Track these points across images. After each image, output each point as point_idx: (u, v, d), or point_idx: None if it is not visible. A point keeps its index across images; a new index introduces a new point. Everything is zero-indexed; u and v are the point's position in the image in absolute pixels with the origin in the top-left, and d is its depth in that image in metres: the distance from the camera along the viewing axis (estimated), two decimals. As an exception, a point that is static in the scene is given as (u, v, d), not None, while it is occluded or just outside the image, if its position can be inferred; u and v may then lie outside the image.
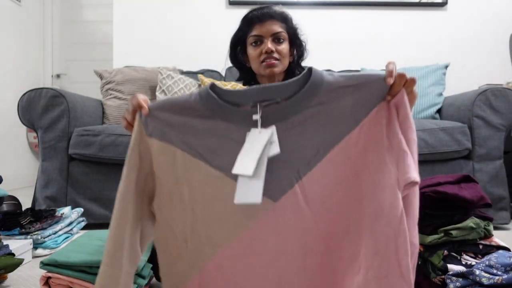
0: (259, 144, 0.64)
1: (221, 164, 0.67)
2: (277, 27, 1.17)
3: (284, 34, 1.19)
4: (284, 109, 0.66)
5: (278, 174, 0.66)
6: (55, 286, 0.97)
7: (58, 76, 4.10)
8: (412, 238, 0.64)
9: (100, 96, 2.42)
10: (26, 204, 1.97)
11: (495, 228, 1.84)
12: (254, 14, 1.18)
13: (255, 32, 1.18)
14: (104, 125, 2.11)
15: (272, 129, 0.66)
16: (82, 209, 1.77)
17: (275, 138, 0.65)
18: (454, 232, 0.96)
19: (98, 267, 0.92)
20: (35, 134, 2.86)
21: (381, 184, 0.64)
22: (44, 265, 0.97)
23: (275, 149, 0.65)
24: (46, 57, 4.05)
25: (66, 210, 1.68)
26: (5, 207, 1.65)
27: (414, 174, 0.62)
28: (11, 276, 1.23)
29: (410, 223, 0.64)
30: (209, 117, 0.68)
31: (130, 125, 0.74)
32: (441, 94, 2.32)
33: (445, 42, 2.90)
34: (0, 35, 3.36)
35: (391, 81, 0.65)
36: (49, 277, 0.98)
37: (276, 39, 1.18)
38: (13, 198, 1.73)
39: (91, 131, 1.94)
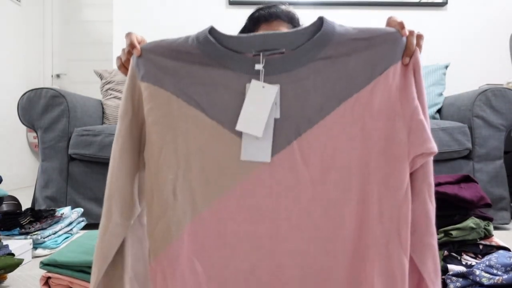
0: (265, 103, 0.60)
1: (217, 114, 0.63)
2: (284, 28, 1.16)
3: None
4: (289, 60, 0.62)
5: (276, 129, 0.62)
6: (55, 286, 0.97)
7: (58, 76, 4.10)
8: (430, 208, 0.63)
9: (100, 96, 2.42)
10: (26, 204, 1.97)
11: (495, 228, 1.84)
12: (261, 13, 1.17)
13: (261, 32, 1.17)
14: (104, 125, 2.11)
15: (277, 88, 0.61)
16: (82, 209, 1.77)
17: (278, 99, 0.61)
18: (454, 233, 0.96)
19: (98, 267, 0.93)
20: (35, 134, 2.86)
21: (389, 152, 0.61)
22: (44, 265, 0.97)
23: (276, 113, 0.62)
24: (46, 57, 4.05)
25: (66, 210, 1.68)
26: (5, 207, 1.65)
27: (428, 145, 0.60)
28: (11, 276, 1.23)
29: (428, 192, 0.62)
30: (206, 63, 0.63)
31: (123, 66, 0.69)
32: (441, 94, 2.32)
33: (445, 42, 2.90)
34: (0, 35, 3.36)
35: (406, 32, 0.62)
36: (49, 277, 0.98)
37: None
38: (13, 198, 1.73)
39: (91, 131, 1.94)
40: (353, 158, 0.62)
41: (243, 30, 1.23)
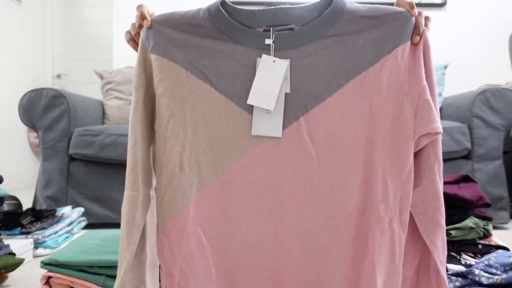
0: (276, 77, 0.61)
1: (226, 88, 0.63)
2: None
3: None
4: (298, 36, 0.62)
5: (285, 104, 0.63)
6: (55, 286, 0.97)
7: (58, 76, 4.10)
8: (440, 188, 0.64)
9: (101, 96, 2.42)
10: (26, 204, 1.97)
11: (494, 228, 1.84)
12: None
13: None
14: (104, 125, 2.12)
15: (287, 62, 0.62)
16: (82, 209, 1.78)
17: (288, 73, 0.62)
18: (453, 232, 0.97)
19: (98, 267, 0.94)
20: (35, 134, 2.86)
21: (395, 131, 0.62)
22: (44, 264, 0.97)
23: (286, 87, 0.63)
24: (46, 57, 4.05)
25: (66, 210, 1.69)
26: (5, 207, 1.65)
27: (434, 125, 0.61)
28: (12, 275, 1.23)
29: (439, 171, 0.64)
30: (216, 37, 0.64)
31: (133, 40, 0.69)
32: (440, 94, 2.32)
33: (445, 42, 2.91)
34: (0, 35, 3.36)
35: (416, 11, 0.63)
36: (49, 277, 0.98)
37: None
38: (14, 198, 1.74)
39: (91, 131, 1.95)
40: (359, 135, 0.63)
41: None
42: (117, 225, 1.94)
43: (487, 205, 1.02)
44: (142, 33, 0.68)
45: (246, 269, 0.66)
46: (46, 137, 1.95)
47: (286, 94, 0.63)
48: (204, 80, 0.64)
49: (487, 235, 1.01)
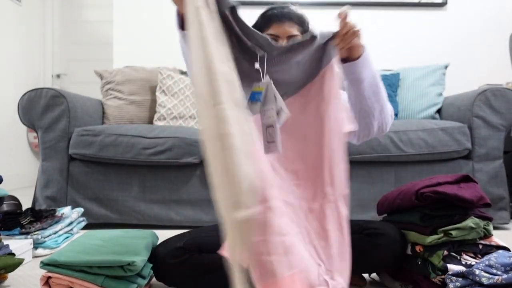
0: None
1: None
2: (294, 30, 1.16)
3: (299, 37, 1.17)
4: (275, 58, 0.91)
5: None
6: (55, 286, 0.97)
7: (58, 76, 4.10)
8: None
9: (100, 96, 2.42)
10: (26, 204, 1.97)
11: (495, 228, 1.84)
12: (274, 12, 1.17)
13: (272, 31, 1.16)
14: (104, 125, 2.11)
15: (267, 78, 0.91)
16: (82, 209, 1.77)
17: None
18: (453, 232, 0.96)
19: (98, 267, 0.94)
20: (35, 134, 2.86)
21: (336, 128, 0.90)
22: (44, 265, 0.97)
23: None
24: (46, 57, 4.05)
25: (66, 210, 1.69)
26: (5, 207, 1.65)
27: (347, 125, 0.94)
28: (11, 276, 1.23)
29: None
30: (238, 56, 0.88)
31: None
32: (440, 94, 2.32)
33: (445, 42, 2.91)
34: (0, 35, 3.36)
35: (339, 45, 0.94)
36: (49, 277, 0.98)
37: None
38: (14, 198, 1.73)
39: (91, 131, 1.95)
40: (308, 131, 0.92)
41: (254, 26, 1.21)
42: (117, 225, 1.94)
43: (488, 205, 1.01)
44: None
45: None
46: (46, 137, 1.95)
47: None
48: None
49: (487, 235, 1.01)
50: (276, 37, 1.16)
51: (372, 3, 2.91)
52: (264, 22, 1.18)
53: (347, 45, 0.95)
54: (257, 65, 0.86)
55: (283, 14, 1.16)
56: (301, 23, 1.18)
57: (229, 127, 0.66)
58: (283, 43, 1.15)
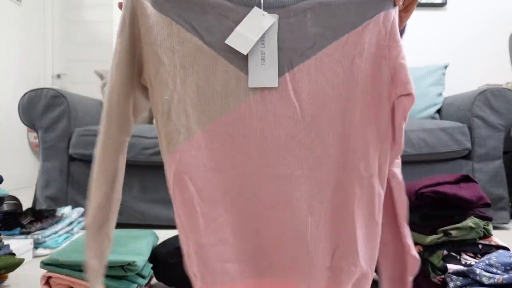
0: (260, 28, 0.65)
1: (214, 42, 0.66)
2: None
3: None
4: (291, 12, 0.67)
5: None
6: (55, 286, 0.97)
7: (58, 76, 4.10)
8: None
9: (100, 96, 2.42)
10: (26, 204, 1.97)
11: (495, 228, 1.84)
12: None
13: None
14: (104, 125, 2.12)
15: (276, 17, 0.66)
16: (82, 209, 1.77)
17: (276, 31, 0.66)
18: (453, 232, 0.97)
19: (98, 267, 0.94)
20: (35, 134, 2.86)
21: (375, 91, 0.67)
22: (44, 264, 0.97)
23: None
24: (46, 57, 4.05)
25: (66, 210, 1.69)
26: (5, 207, 1.65)
27: (409, 85, 0.65)
28: (11, 275, 1.23)
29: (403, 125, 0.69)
30: None
31: None
32: (440, 94, 2.32)
33: (445, 42, 2.91)
34: (0, 35, 3.36)
35: None
36: (49, 277, 0.98)
37: None
38: (14, 198, 1.73)
39: (91, 131, 1.95)
40: (341, 94, 0.67)
41: None
42: (117, 225, 1.93)
43: (487, 205, 1.01)
44: None
45: (231, 219, 0.68)
46: (46, 137, 1.95)
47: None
48: (193, 34, 0.66)
49: (487, 235, 1.01)
50: None
51: None
52: None
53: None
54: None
55: None
56: None
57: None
58: None
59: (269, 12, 0.66)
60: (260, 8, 0.66)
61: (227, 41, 0.65)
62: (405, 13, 0.71)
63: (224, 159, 0.67)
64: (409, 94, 0.65)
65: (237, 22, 0.65)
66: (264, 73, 0.66)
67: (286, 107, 0.66)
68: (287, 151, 0.67)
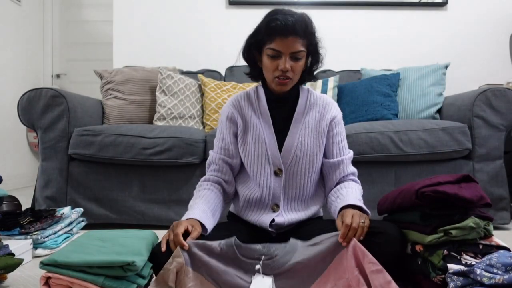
0: (265, 285, 0.95)
1: None
2: (298, 45, 1.11)
3: (303, 53, 1.14)
4: (276, 263, 0.99)
5: None
6: (55, 286, 0.97)
7: (58, 76, 4.10)
8: None
9: (100, 96, 2.42)
10: (26, 204, 1.97)
11: (495, 228, 1.84)
12: (278, 25, 1.10)
13: (274, 45, 1.11)
14: (104, 125, 2.11)
15: (271, 277, 0.97)
16: (82, 209, 1.77)
17: (274, 285, 0.96)
18: (454, 232, 0.96)
19: (97, 267, 0.93)
20: (35, 134, 2.86)
21: None
22: (44, 265, 0.97)
23: None
24: (46, 57, 4.05)
25: (66, 210, 1.68)
26: (5, 207, 1.65)
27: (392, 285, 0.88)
28: (11, 276, 1.23)
29: None
30: (228, 261, 0.99)
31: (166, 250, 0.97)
32: (441, 94, 2.32)
33: (445, 42, 2.91)
34: (0, 35, 3.36)
35: (344, 244, 0.97)
36: (49, 277, 0.97)
37: (294, 57, 1.13)
38: (13, 198, 1.73)
39: (91, 131, 1.95)
40: None
41: (257, 34, 1.17)
42: (116, 225, 1.94)
43: (488, 205, 1.01)
44: (179, 250, 0.95)
45: None
46: (46, 137, 1.95)
47: None
48: (215, 285, 0.97)
49: (488, 235, 1.00)
50: (279, 53, 1.12)
51: (372, 3, 2.91)
52: (267, 33, 1.13)
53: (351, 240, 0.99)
54: (257, 266, 0.98)
55: (287, 27, 1.09)
56: (307, 35, 1.14)
57: None
58: (285, 61, 1.11)
59: (267, 274, 0.98)
60: (260, 273, 0.98)
61: None
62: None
63: None
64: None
65: (247, 282, 0.97)
66: None
67: None
68: None
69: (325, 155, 1.25)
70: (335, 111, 1.26)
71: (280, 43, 1.11)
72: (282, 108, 1.24)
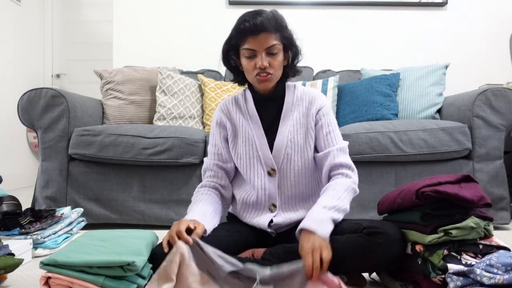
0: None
1: None
2: (271, 40, 1.13)
3: (279, 46, 1.15)
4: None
5: None
6: (55, 286, 0.97)
7: (58, 76, 4.10)
8: None
9: (100, 96, 2.42)
10: (26, 204, 1.97)
11: (495, 228, 1.84)
12: (247, 26, 1.12)
13: (248, 45, 1.13)
14: (104, 125, 2.11)
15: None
16: (82, 209, 1.77)
17: None
18: (454, 232, 0.96)
19: (97, 267, 0.93)
20: (35, 134, 2.85)
21: None
22: (44, 265, 0.97)
23: None
24: (46, 57, 4.05)
25: (66, 210, 1.68)
26: (5, 207, 1.65)
27: None
28: (11, 276, 1.23)
29: None
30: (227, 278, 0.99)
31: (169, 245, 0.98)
32: (441, 94, 2.32)
33: (445, 42, 2.91)
34: (0, 35, 3.36)
35: (309, 261, 0.92)
36: (49, 277, 0.97)
37: (270, 52, 1.14)
38: (13, 198, 1.73)
39: (91, 131, 1.95)
40: None
41: (230, 40, 1.19)
42: (116, 225, 1.94)
43: (488, 205, 1.01)
44: (183, 243, 0.97)
45: None
46: (46, 137, 1.95)
47: None
48: (215, 282, 0.98)
49: (488, 235, 1.00)
50: (254, 51, 1.13)
51: (372, 3, 2.91)
52: (239, 37, 1.15)
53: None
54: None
55: (256, 26, 1.11)
56: (278, 28, 1.15)
57: None
58: (262, 58, 1.13)
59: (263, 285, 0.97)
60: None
61: None
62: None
63: None
64: None
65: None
66: None
67: None
68: None
69: (316, 149, 1.24)
70: (320, 102, 1.24)
71: (253, 41, 1.13)
72: (270, 108, 1.25)
